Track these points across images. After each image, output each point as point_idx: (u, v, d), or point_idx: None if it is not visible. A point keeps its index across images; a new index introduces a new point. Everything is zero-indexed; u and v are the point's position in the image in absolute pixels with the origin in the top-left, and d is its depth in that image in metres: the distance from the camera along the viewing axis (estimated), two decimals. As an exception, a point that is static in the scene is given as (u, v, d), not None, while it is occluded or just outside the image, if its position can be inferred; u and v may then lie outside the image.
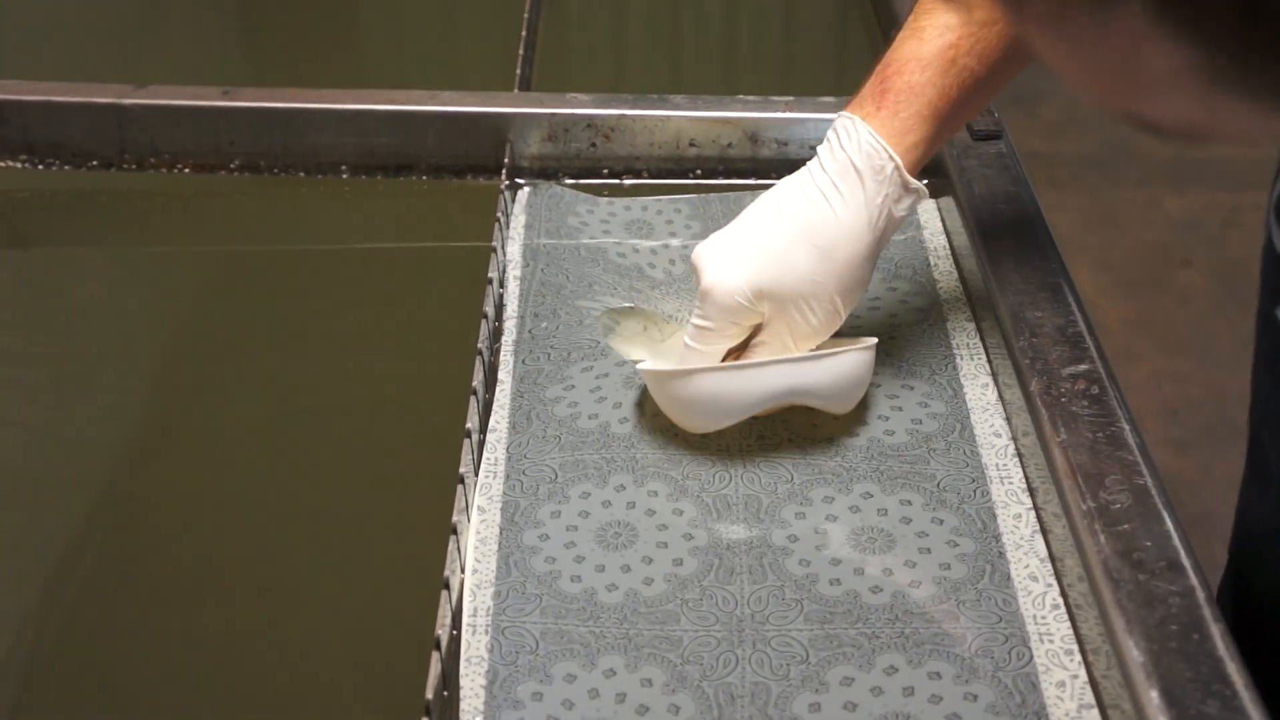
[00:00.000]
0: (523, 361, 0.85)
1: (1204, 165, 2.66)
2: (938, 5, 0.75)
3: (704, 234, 0.96)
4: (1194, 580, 0.64)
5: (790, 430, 0.80)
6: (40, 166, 1.06)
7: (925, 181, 1.04)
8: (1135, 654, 0.60)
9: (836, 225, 0.74)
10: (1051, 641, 0.67)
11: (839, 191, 0.75)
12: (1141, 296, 2.40)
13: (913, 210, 0.78)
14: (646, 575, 0.72)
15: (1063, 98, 2.77)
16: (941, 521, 0.74)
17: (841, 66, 1.42)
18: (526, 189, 1.03)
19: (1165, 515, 0.68)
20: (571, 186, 1.03)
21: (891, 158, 0.74)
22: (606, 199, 1.01)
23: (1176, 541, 0.66)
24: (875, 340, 0.79)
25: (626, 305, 0.79)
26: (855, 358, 0.77)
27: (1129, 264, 2.46)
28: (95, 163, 1.06)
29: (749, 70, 1.41)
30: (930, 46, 0.75)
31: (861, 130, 0.75)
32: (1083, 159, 2.71)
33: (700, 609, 0.70)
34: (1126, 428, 0.73)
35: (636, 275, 0.91)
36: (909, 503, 0.76)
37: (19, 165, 1.06)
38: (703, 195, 1.02)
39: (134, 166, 1.06)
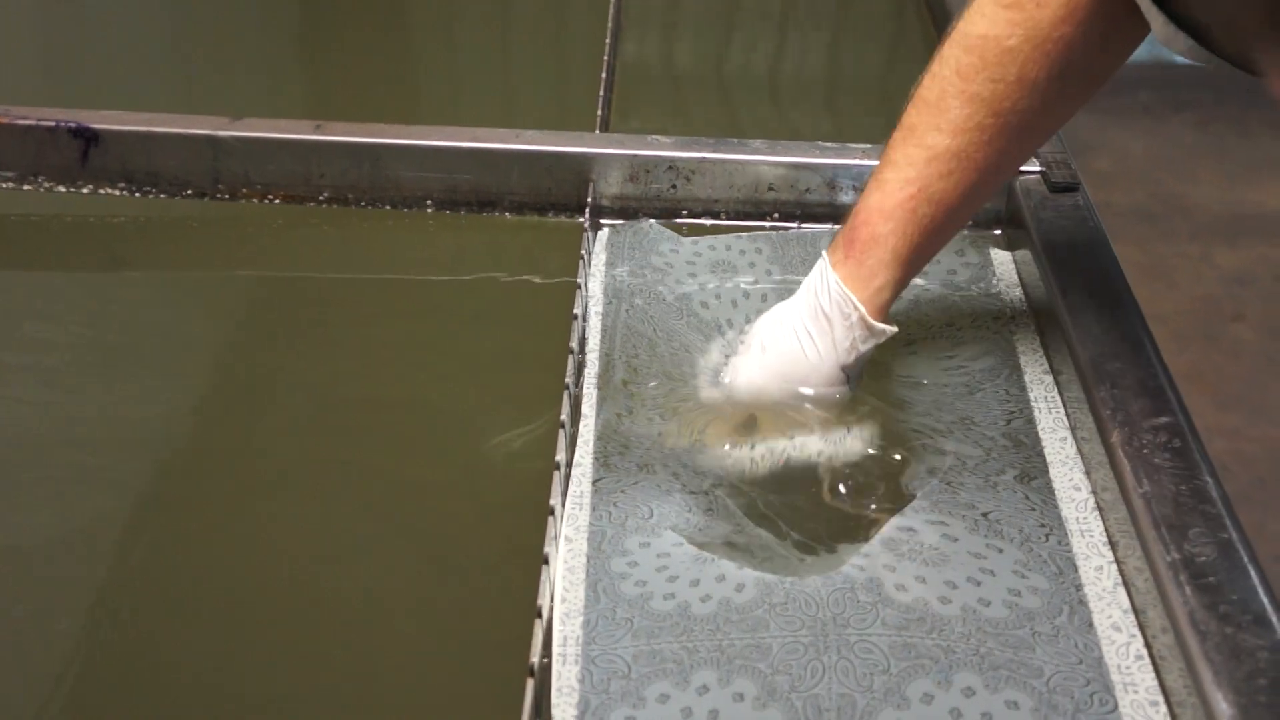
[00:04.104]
0: (611, 405, 0.87)
1: (1256, 219, 2.66)
2: (899, 157, 0.82)
3: (782, 279, 0.99)
4: (1282, 635, 0.65)
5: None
6: (137, 194, 1.09)
7: (1000, 232, 1.06)
8: (1224, 706, 0.61)
9: (808, 365, 0.85)
10: (1136, 692, 0.68)
11: (810, 335, 0.85)
12: (1193, 350, 2.39)
13: (878, 345, 0.86)
14: (739, 581, 0.74)
15: (1113, 149, 2.78)
16: (1001, 551, 0.76)
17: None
18: (607, 229, 1.05)
19: (1251, 570, 0.68)
20: (652, 227, 1.05)
21: (856, 306, 0.83)
22: (690, 239, 1.03)
23: (1263, 596, 0.67)
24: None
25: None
26: None
27: (1179, 317, 2.46)
28: (190, 191, 1.09)
29: (821, 112, 1.42)
30: (892, 199, 0.82)
31: (831, 279, 0.84)
32: (1134, 211, 2.71)
33: (786, 613, 0.71)
34: (1209, 481, 0.74)
35: (717, 335, 0.94)
36: (946, 532, 0.77)
37: (117, 192, 1.09)
38: (781, 234, 1.04)
39: (227, 196, 1.09)
